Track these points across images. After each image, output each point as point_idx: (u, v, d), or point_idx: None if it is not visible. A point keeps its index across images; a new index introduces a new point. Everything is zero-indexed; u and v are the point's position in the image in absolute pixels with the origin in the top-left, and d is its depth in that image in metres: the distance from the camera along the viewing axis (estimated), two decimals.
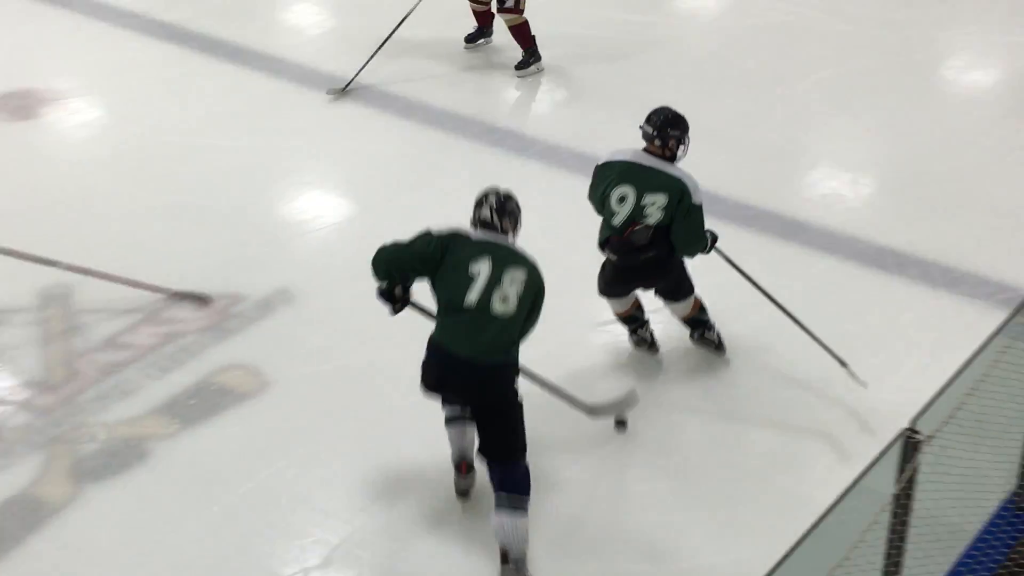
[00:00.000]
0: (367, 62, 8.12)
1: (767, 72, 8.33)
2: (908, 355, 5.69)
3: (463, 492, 4.97)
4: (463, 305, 4.49)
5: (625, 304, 5.64)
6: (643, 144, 5.31)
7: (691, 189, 5.21)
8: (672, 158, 5.29)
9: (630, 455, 5.15)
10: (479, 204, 4.68)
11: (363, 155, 7.49)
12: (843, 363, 5.45)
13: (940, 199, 6.85)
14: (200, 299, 6.07)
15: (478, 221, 4.65)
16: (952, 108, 8.00)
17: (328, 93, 8.03)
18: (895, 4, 9.25)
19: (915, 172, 7.18)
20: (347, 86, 8.06)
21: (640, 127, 5.31)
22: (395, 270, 4.64)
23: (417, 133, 7.67)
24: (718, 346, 5.71)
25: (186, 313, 6.00)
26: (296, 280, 6.26)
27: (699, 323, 5.67)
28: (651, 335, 5.75)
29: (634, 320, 5.72)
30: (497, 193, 4.69)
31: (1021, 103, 7.97)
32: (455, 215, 4.86)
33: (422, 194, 6.97)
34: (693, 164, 5.35)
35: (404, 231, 4.64)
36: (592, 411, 5.08)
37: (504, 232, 4.65)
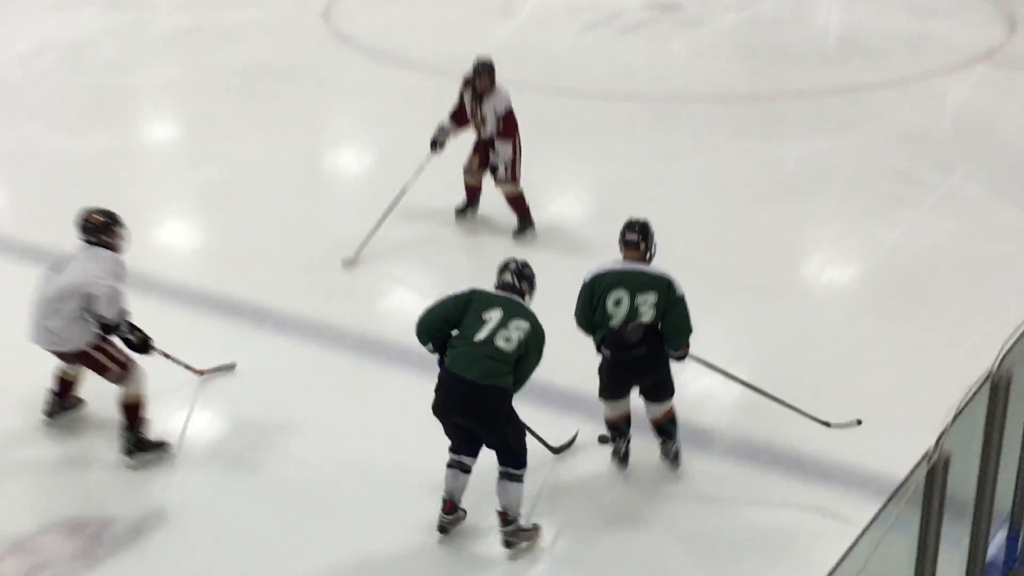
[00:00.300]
0: (372, 232, 8.66)
1: None
2: (787, 551, 5.73)
3: (442, 528, 5.86)
4: (473, 340, 5.63)
5: (618, 410, 6.35)
6: (619, 256, 6.18)
7: (675, 283, 6.05)
8: (651, 259, 6.18)
9: None
10: (502, 270, 5.93)
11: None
12: (825, 423, 6.41)
13: (808, 393, 7.00)
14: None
15: (500, 284, 5.88)
16: (814, 304, 8.23)
17: (343, 264, 8.58)
18: (757, 203, 9.59)
19: (781, 367, 7.35)
20: (356, 256, 8.63)
21: (625, 237, 6.20)
22: (434, 332, 5.78)
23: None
24: (674, 459, 6.36)
25: (53, 541, 5.81)
26: (172, 502, 6.12)
27: (669, 430, 6.35)
28: (627, 451, 6.42)
29: (619, 431, 6.40)
30: (516, 261, 5.96)
31: (880, 299, 8.25)
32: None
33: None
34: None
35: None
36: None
37: (522, 294, 5.88)
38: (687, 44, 13.66)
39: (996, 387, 4.50)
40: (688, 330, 6.10)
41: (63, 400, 6.84)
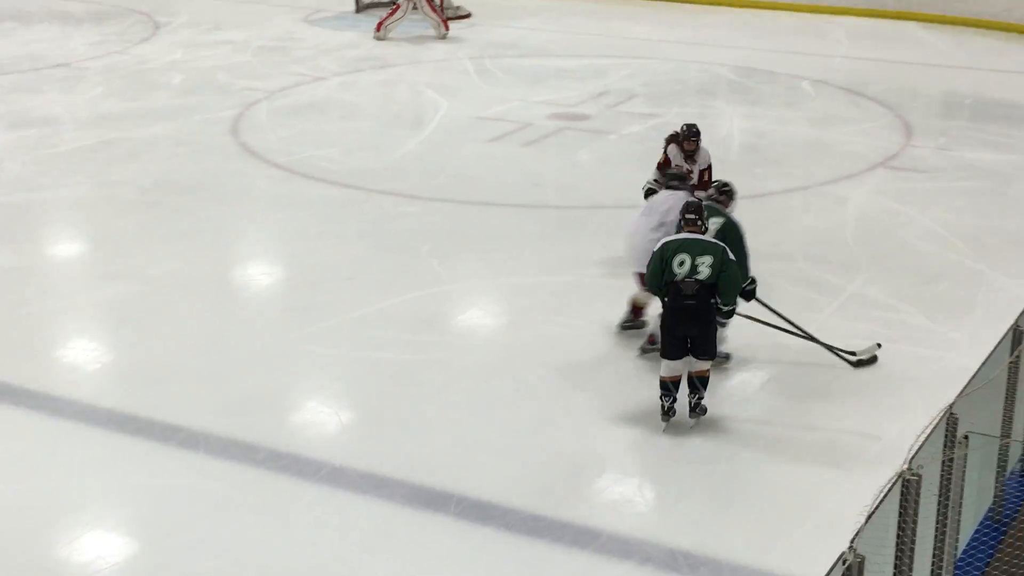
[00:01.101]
0: None
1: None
2: None
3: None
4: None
5: (673, 371, 7.80)
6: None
7: (728, 250, 7.70)
8: (705, 231, 7.87)
9: None
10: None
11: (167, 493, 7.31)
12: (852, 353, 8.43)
13: (721, 499, 7.01)
14: None
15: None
16: (728, 407, 8.28)
17: None
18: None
19: (696, 472, 7.37)
20: None
21: (685, 217, 7.81)
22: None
23: None
24: (694, 411, 7.87)
25: None
26: None
27: (700, 386, 7.85)
28: (673, 409, 7.84)
29: (668, 390, 7.81)
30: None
31: (795, 401, 8.32)
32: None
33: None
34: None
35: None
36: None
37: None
38: (594, 153, 13.87)
39: (907, 487, 4.56)
40: (738, 286, 7.80)
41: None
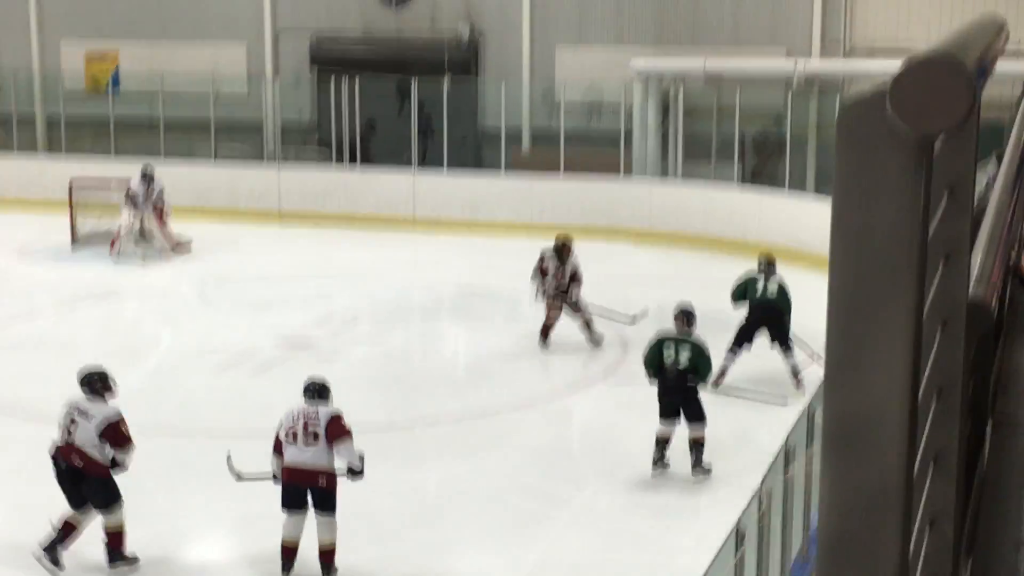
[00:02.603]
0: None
1: None
2: None
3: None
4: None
5: (666, 433, 10.72)
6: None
7: (704, 345, 10.81)
8: (690, 332, 10.94)
9: None
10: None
11: None
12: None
13: None
14: None
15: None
16: None
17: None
18: (400, 531, 9.60)
19: None
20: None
21: (676, 319, 11.01)
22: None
23: None
24: (707, 471, 10.55)
25: None
26: None
27: (701, 447, 10.60)
28: (665, 460, 10.65)
29: (662, 446, 10.68)
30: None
31: None
32: None
33: None
34: None
35: None
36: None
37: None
38: None
39: None
40: (708, 370, 11.00)
41: None
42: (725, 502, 9.99)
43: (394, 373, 14.12)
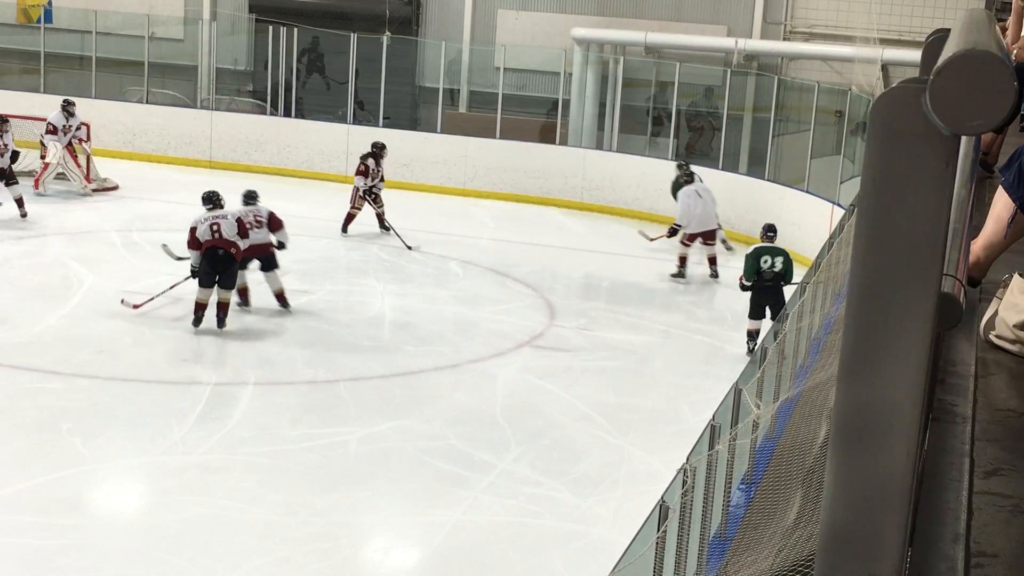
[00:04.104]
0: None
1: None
2: None
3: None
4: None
5: (756, 327, 13.20)
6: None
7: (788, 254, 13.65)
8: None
9: None
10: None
11: None
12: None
13: None
14: None
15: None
16: None
17: None
18: (321, 490, 9.58)
19: None
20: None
21: (767, 229, 13.72)
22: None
23: None
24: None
25: None
26: None
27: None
28: (757, 346, 11.23)
29: (754, 337, 13.10)
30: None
31: None
32: None
33: None
34: None
35: None
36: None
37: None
38: (244, 329, 13.72)
39: None
40: (793, 274, 13.33)
41: None
42: (643, 476, 10.08)
43: (319, 328, 14.04)
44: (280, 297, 14.10)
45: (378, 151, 18.46)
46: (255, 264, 14.02)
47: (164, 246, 14.20)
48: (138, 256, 16.72)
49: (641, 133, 22.94)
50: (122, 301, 13.64)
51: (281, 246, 14.02)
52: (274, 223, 14.01)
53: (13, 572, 8.03)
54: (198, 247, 13.14)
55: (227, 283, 13.26)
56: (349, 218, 18.42)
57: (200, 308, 13.17)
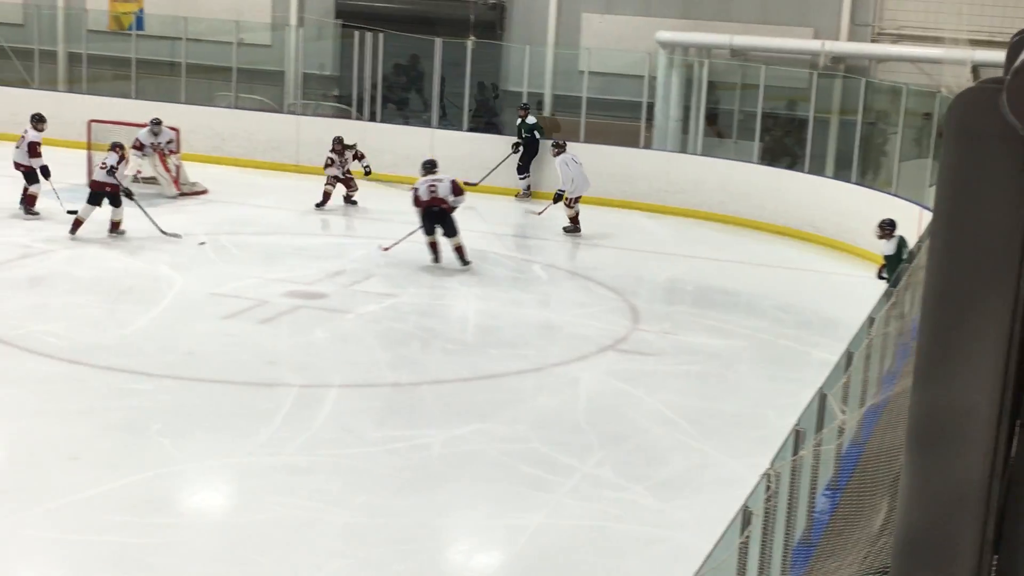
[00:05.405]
0: None
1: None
2: None
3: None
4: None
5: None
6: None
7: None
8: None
9: None
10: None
11: None
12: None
13: None
14: None
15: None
16: None
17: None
18: (404, 491, 9.64)
19: None
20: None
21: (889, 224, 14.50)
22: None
23: None
24: None
25: None
26: None
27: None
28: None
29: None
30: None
31: None
32: None
33: None
34: None
35: None
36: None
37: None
38: (331, 332, 13.85)
39: None
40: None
41: None
42: (727, 481, 10.01)
43: (403, 331, 14.13)
44: (459, 250, 16.51)
45: (340, 148, 20.38)
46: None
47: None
48: (226, 259, 16.94)
49: (726, 137, 22.78)
50: (380, 247, 17.14)
51: (454, 208, 16.77)
52: (456, 187, 16.69)
53: (104, 569, 8.18)
54: (420, 205, 16.39)
55: (450, 232, 16.42)
56: (326, 198, 20.28)
57: (431, 245, 16.60)
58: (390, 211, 19.28)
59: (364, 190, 20.55)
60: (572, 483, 9.98)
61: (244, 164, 23.36)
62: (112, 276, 15.87)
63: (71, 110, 23.32)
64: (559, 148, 20.15)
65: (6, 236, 17.45)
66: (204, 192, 21.23)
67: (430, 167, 17.08)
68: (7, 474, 9.79)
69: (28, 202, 18.59)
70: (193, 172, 21.38)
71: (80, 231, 17.28)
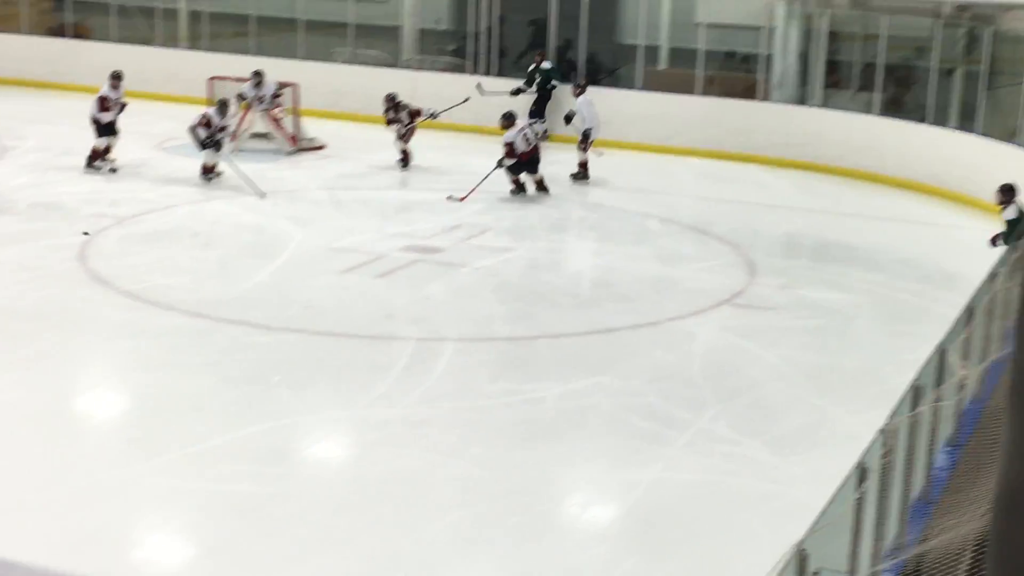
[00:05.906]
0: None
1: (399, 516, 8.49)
2: None
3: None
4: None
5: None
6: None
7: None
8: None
9: None
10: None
11: None
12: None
13: None
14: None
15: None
16: (575, 545, 8.31)
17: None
18: (519, 444, 9.72)
19: None
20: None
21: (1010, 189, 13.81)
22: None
23: None
24: None
25: None
26: None
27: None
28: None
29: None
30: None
31: (641, 536, 8.39)
32: None
33: None
34: None
35: None
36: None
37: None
38: (447, 286, 13.96)
39: None
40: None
41: None
42: (844, 437, 9.90)
43: (519, 285, 14.18)
44: (540, 184, 18.34)
45: (396, 106, 20.31)
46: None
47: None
48: (344, 213, 17.15)
49: (847, 88, 22.37)
50: (449, 197, 17.80)
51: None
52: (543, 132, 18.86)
53: (226, 517, 8.38)
54: (520, 156, 18.09)
55: (532, 169, 18.30)
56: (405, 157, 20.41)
57: (515, 183, 18.28)
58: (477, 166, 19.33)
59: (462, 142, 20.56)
60: (687, 438, 9.97)
61: (361, 119, 23.53)
62: (232, 231, 16.17)
63: (193, 67, 23.73)
64: (580, 88, 20.30)
65: (130, 192, 17.85)
66: (322, 147, 21.47)
67: (510, 118, 18.27)
68: (135, 424, 10.06)
69: (92, 156, 18.92)
70: (311, 127, 21.63)
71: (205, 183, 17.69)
